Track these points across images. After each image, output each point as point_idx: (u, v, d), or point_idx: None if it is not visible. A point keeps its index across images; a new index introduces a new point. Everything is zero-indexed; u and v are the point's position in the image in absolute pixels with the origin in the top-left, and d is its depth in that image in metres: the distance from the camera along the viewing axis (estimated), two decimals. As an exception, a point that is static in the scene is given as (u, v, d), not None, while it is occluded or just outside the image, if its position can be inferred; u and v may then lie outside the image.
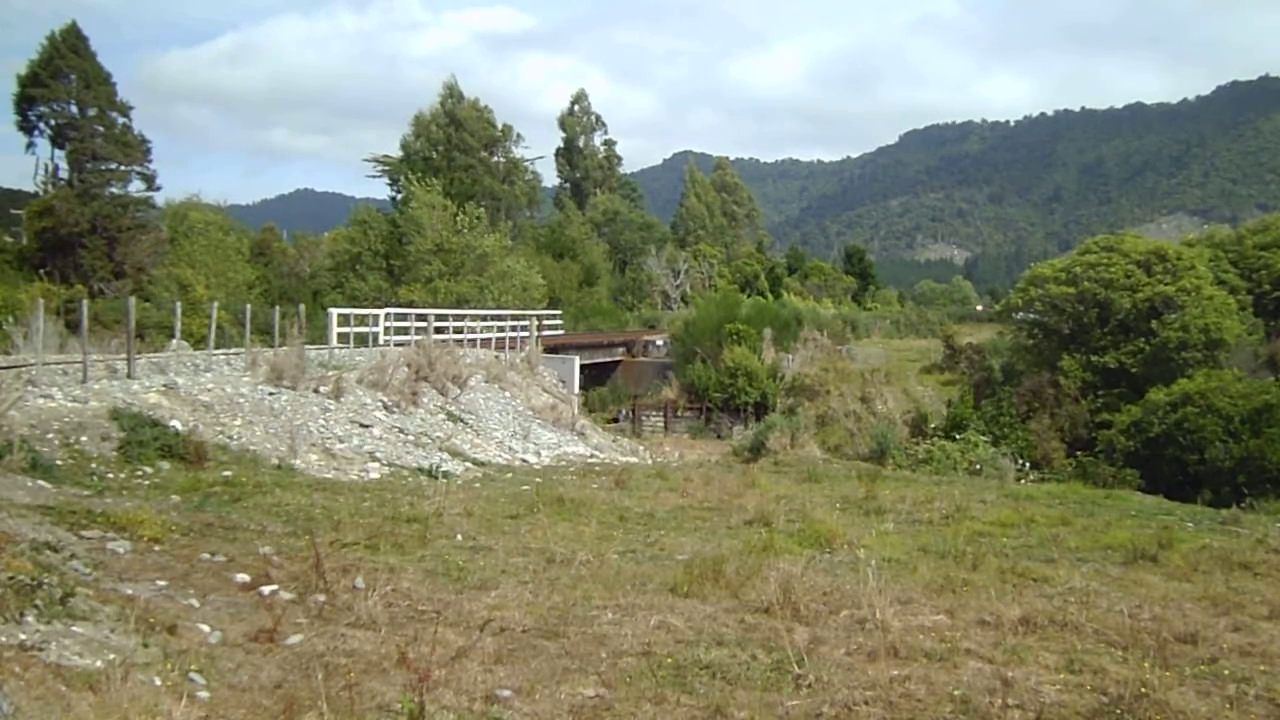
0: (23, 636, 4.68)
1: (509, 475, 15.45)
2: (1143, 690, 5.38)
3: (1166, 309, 35.90)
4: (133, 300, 16.84)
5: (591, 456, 21.10)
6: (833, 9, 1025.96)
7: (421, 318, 29.03)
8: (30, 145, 43.41)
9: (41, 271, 39.09)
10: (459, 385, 21.59)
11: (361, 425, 16.20)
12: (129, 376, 15.51)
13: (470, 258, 42.99)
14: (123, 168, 43.77)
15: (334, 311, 28.05)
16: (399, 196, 51.58)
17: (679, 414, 40.08)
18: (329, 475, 13.15)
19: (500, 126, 67.92)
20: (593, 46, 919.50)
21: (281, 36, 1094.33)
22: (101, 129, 43.10)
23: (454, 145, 63.61)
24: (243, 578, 6.94)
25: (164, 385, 14.51)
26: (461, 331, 31.50)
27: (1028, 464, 25.43)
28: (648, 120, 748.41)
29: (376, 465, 14.31)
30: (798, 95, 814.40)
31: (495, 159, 67.22)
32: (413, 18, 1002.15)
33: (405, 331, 29.12)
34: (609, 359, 46.14)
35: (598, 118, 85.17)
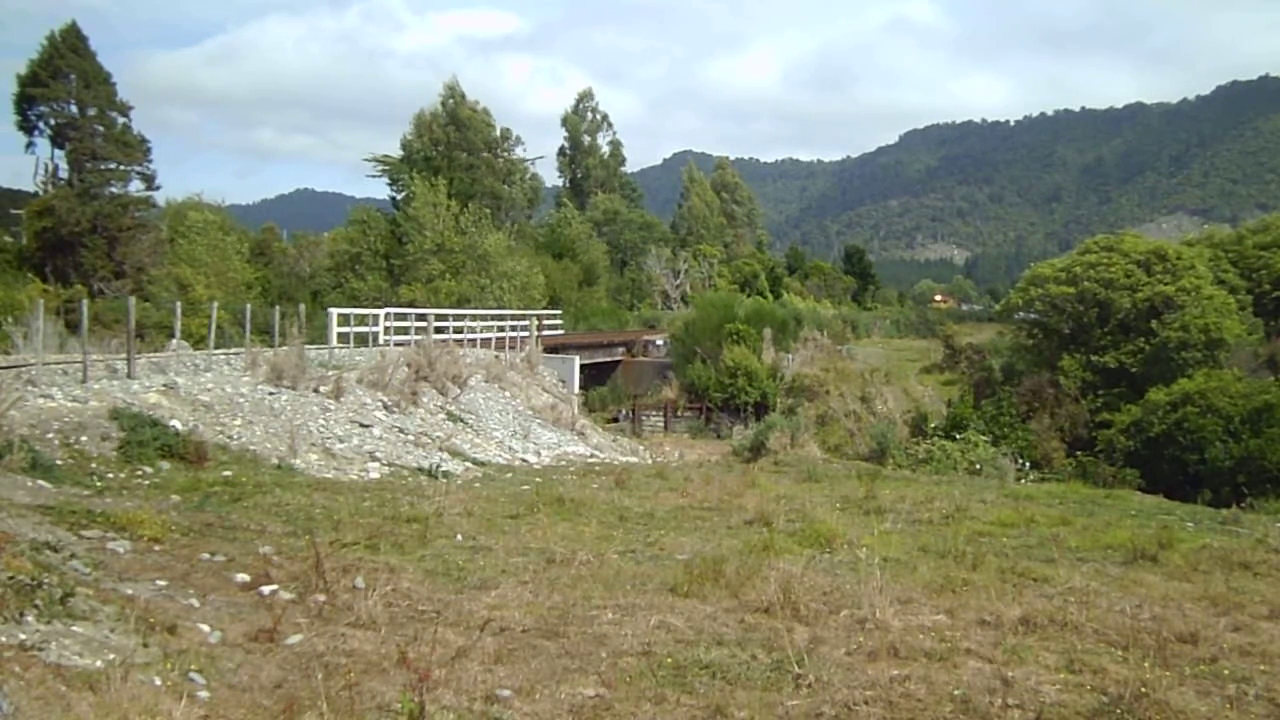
0: (23, 636, 4.68)
1: (509, 475, 15.44)
2: (1143, 690, 5.38)
3: (1166, 309, 35.92)
4: (133, 300, 16.84)
5: (591, 456, 21.09)
6: (814, 10, 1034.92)
7: (421, 317, 29.03)
8: (30, 145, 43.39)
9: (41, 271, 39.08)
10: (459, 385, 21.59)
11: (361, 425, 16.20)
12: (129, 376, 15.51)
13: (472, 257, 43.01)
14: (123, 167, 43.72)
15: (334, 311, 28.04)
16: (399, 196, 51.59)
17: (679, 414, 40.07)
18: (329, 475, 13.14)
19: (500, 128, 68.07)
20: (573, 48, 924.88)
21: (267, 38, 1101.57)
22: (101, 129, 43.06)
23: (454, 145, 63.64)
24: (243, 578, 6.94)
25: (164, 385, 14.51)
26: (461, 331, 31.50)
27: (1028, 464, 25.42)
28: (636, 121, 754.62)
29: (376, 465, 14.30)
30: (784, 96, 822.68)
31: (497, 159, 67.22)
32: (396, 20, 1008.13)
33: (405, 331, 29.12)
34: (609, 359, 46.14)
35: (604, 117, 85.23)
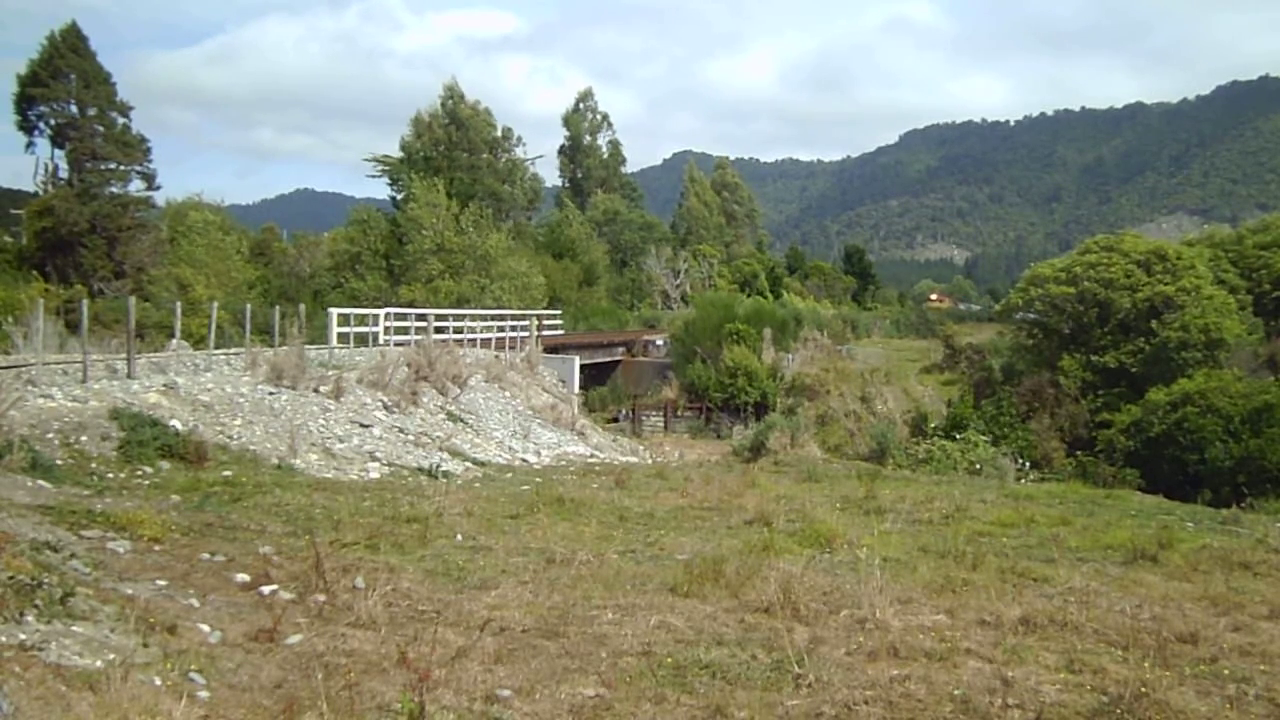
0: (23, 636, 4.68)
1: (509, 475, 15.44)
2: (1143, 690, 5.38)
3: (1166, 309, 35.91)
4: (133, 300, 16.84)
5: (591, 456, 21.09)
6: (812, 10, 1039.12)
7: (421, 317, 29.04)
8: (30, 145, 43.44)
9: (42, 271, 39.07)
10: (459, 385, 21.59)
11: (361, 425, 16.20)
12: (129, 376, 15.51)
13: (472, 257, 43.02)
14: (123, 167, 43.76)
15: (334, 311, 28.03)
16: (399, 196, 51.63)
17: (679, 414, 40.06)
18: (329, 475, 13.14)
19: (501, 128, 68.06)
20: (572, 48, 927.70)
21: (266, 38, 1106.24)
22: (101, 129, 43.09)
23: (455, 145, 63.61)
24: (243, 578, 6.94)
25: (164, 385, 14.50)
26: (461, 331, 31.50)
27: (1028, 464, 25.41)
28: (635, 121, 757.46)
29: (376, 465, 14.30)
30: (784, 96, 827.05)
31: (498, 159, 67.18)
32: (395, 20, 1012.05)
33: (405, 331, 29.12)
34: (609, 359, 46.13)
35: (604, 117, 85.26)
